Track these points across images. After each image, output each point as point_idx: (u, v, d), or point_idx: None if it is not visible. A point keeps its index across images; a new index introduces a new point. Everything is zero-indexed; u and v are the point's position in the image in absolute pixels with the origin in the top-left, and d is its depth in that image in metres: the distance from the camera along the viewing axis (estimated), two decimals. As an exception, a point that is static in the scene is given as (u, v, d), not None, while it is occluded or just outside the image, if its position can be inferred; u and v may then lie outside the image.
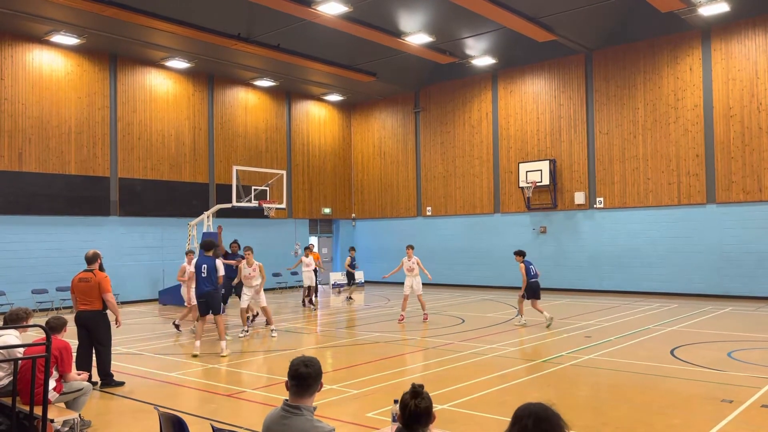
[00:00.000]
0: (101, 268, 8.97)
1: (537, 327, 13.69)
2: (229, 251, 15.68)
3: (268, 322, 13.20)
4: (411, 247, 15.47)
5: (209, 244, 11.34)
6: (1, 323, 7.17)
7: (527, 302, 13.97)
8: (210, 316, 11.24)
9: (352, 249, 21.71)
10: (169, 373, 9.64)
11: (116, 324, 8.93)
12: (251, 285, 12.97)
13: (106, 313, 8.85)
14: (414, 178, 26.81)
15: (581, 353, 10.57)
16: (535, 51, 22.27)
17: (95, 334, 8.73)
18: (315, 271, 18.62)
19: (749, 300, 18.27)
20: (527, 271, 13.84)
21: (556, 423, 2.46)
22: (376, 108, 28.35)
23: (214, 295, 10.99)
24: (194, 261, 12.11)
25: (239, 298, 13.82)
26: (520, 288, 14.04)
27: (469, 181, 24.98)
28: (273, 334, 12.94)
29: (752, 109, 18.81)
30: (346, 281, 22.03)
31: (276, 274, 23.57)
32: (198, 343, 11.00)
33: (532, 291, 13.81)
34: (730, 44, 19.24)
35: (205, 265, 10.92)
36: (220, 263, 11.09)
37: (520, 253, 14.38)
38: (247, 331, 13.27)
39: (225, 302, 14.75)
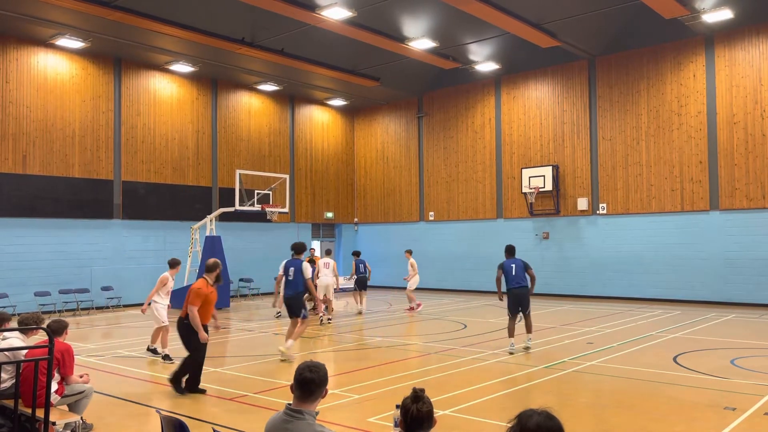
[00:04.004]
0: (218, 279, 8.68)
1: (539, 333, 13.66)
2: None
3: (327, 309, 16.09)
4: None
5: (301, 247, 11.30)
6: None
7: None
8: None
9: None
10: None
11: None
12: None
13: (189, 323, 8.55)
14: (417, 183, 26.82)
15: (583, 359, 10.54)
16: (539, 57, 22.30)
17: (182, 341, 8.63)
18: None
19: (753, 307, 18.21)
20: (357, 268, 18.15)
21: None
22: (379, 113, 28.39)
23: (295, 297, 11.04)
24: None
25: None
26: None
27: (472, 187, 24.99)
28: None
29: (756, 116, 18.80)
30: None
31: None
32: (290, 342, 10.89)
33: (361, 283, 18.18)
34: (734, 51, 19.24)
35: (293, 268, 10.99)
36: (307, 266, 11.03)
37: (356, 253, 18.98)
38: (330, 319, 15.80)
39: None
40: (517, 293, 11.42)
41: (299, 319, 10.93)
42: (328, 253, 17.54)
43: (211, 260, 8.76)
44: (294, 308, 11.02)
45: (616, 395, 8.36)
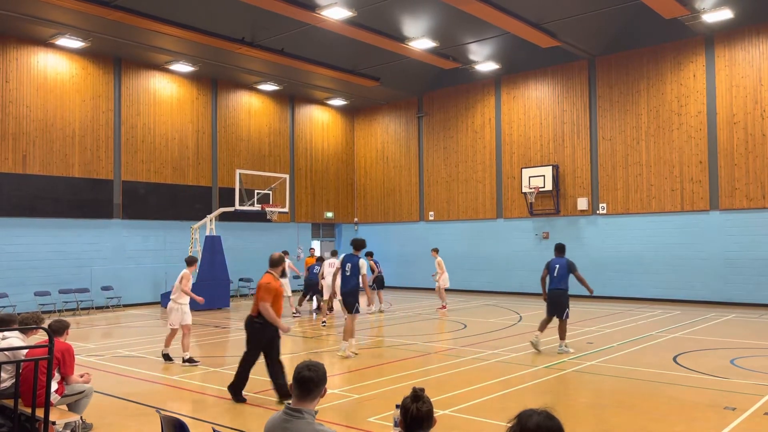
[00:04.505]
0: (284, 273, 8.39)
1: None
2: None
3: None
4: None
5: (360, 243, 11.45)
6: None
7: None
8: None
9: None
10: (171, 376, 9.64)
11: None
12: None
13: (262, 324, 8.08)
14: (417, 183, 26.82)
15: (583, 359, 10.54)
16: (539, 57, 22.29)
17: (251, 340, 8.12)
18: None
19: (753, 307, 18.21)
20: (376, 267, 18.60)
21: None
22: (379, 113, 28.39)
23: (352, 293, 11.18)
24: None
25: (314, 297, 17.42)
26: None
27: (472, 187, 24.98)
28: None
29: (756, 116, 18.79)
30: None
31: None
32: (353, 341, 11.17)
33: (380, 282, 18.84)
34: (734, 51, 19.24)
35: (349, 264, 11.16)
36: (363, 263, 11.23)
37: (369, 254, 18.61)
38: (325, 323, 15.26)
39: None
40: (552, 295, 11.20)
41: (354, 315, 11.19)
42: (334, 254, 17.52)
43: (276, 254, 8.52)
44: (348, 304, 11.19)
45: (616, 395, 8.36)
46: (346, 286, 11.24)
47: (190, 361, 10.42)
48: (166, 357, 10.68)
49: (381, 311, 18.33)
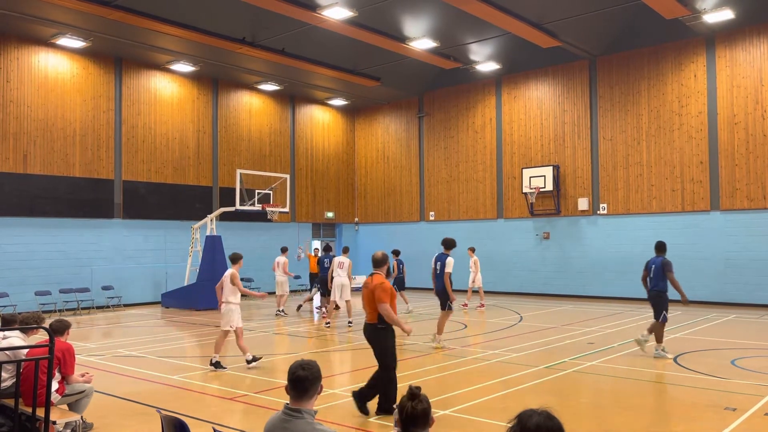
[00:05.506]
0: (389, 272, 7.91)
1: (539, 333, 13.66)
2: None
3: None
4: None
5: (450, 242, 11.76)
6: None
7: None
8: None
9: None
10: (171, 376, 9.65)
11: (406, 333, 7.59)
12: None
13: (386, 328, 7.37)
14: (417, 183, 26.82)
15: (584, 360, 10.54)
16: (540, 57, 22.29)
17: (374, 351, 7.49)
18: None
19: (753, 308, 18.20)
20: (398, 267, 17.98)
21: None
22: (379, 112, 28.39)
23: (441, 292, 11.64)
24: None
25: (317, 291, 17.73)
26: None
27: (473, 187, 24.98)
28: (349, 325, 14.95)
29: (756, 117, 18.79)
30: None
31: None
32: (439, 336, 11.86)
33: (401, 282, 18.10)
34: (735, 51, 19.23)
35: (439, 263, 11.63)
36: (450, 261, 11.50)
37: (395, 252, 18.31)
38: (329, 323, 15.09)
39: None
40: (650, 296, 10.88)
41: (447, 312, 11.74)
42: (345, 251, 16.98)
43: (380, 253, 7.79)
44: (441, 301, 11.77)
45: (616, 395, 8.36)
46: (439, 284, 11.69)
47: (254, 359, 10.03)
48: (218, 365, 9.94)
49: (410, 311, 17.72)
